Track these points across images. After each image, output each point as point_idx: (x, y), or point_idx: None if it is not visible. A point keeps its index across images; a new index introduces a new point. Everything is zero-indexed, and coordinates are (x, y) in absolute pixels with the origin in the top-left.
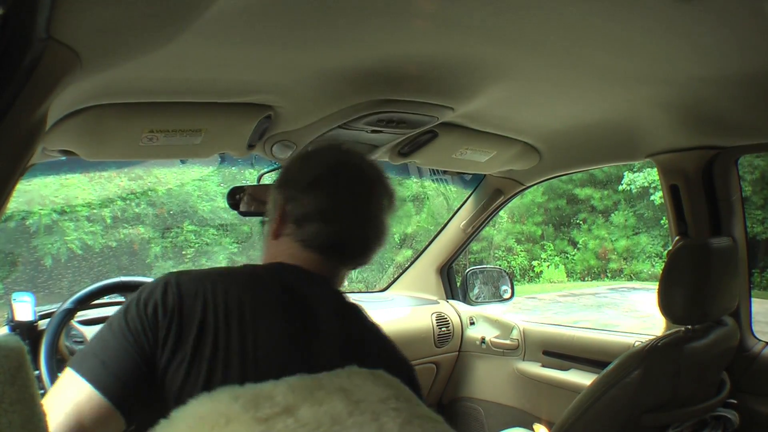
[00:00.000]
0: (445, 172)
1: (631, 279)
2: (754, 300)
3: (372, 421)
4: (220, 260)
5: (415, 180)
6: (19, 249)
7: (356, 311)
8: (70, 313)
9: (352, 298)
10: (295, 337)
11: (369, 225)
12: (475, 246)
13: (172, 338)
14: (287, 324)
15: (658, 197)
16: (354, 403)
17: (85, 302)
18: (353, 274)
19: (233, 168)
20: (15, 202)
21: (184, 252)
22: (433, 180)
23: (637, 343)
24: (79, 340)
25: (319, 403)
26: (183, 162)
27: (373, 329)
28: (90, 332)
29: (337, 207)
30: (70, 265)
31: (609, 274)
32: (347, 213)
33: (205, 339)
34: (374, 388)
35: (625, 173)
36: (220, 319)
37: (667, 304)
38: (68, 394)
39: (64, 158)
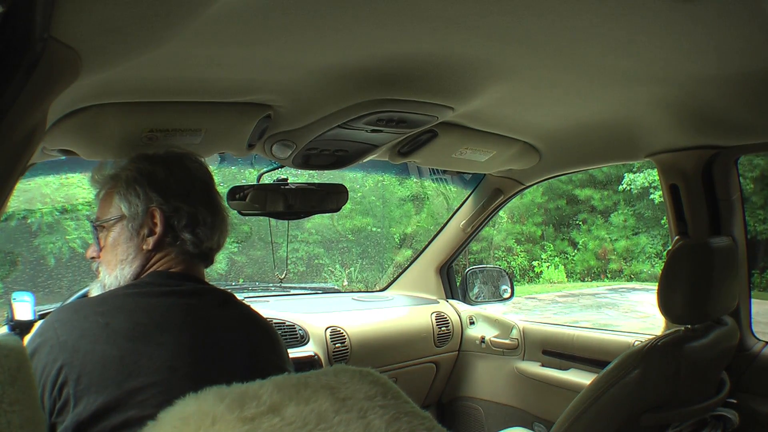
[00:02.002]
0: (445, 171)
1: (630, 279)
2: (754, 301)
3: (359, 418)
4: (219, 259)
5: (415, 180)
6: (20, 248)
7: (234, 301)
8: None
9: (352, 297)
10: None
11: (223, 229)
12: (475, 246)
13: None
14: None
15: (657, 197)
16: (340, 400)
17: None
18: (353, 274)
19: (233, 168)
20: (16, 201)
21: None
22: (433, 180)
23: (636, 343)
24: None
25: (305, 402)
26: None
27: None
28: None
29: (209, 214)
30: (70, 265)
31: (609, 275)
32: (215, 219)
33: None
34: (361, 385)
35: (625, 173)
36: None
37: (666, 304)
38: None
39: (64, 158)
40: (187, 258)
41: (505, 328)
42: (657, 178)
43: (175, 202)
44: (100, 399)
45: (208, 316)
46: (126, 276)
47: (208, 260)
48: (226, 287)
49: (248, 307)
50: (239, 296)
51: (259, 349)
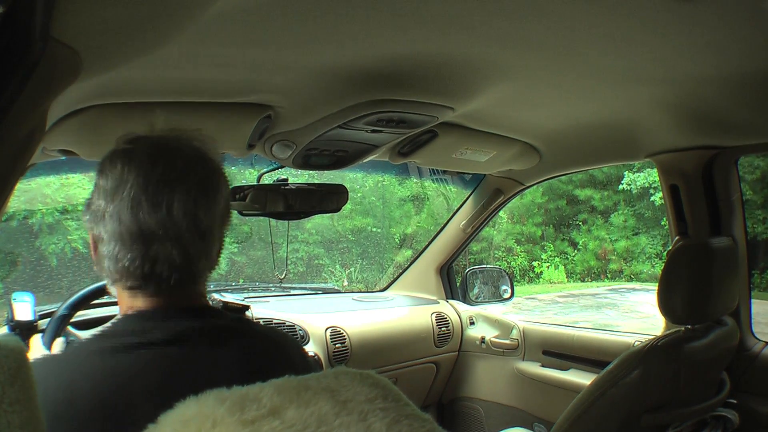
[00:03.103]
0: (445, 172)
1: (631, 279)
2: (754, 301)
3: (359, 421)
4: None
5: (415, 180)
6: (20, 248)
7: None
8: (65, 320)
9: (352, 298)
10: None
11: None
12: (475, 246)
13: None
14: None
15: (658, 198)
16: (341, 403)
17: (79, 306)
18: (353, 274)
19: (233, 168)
20: (16, 201)
21: None
22: (433, 180)
23: (636, 343)
24: None
25: (306, 405)
26: None
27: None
28: (87, 336)
29: None
30: (70, 265)
31: (609, 275)
32: None
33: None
34: (361, 387)
35: (625, 173)
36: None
37: (666, 304)
38: None
39: (64, 158)
40: (162, 292)
41: (505, 328)
42: (657, 178)
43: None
44: None
45: (197, 370)
46: None
47: (199, 281)
48: (226, 287)
49: (255, 330)
50: (239, 296)
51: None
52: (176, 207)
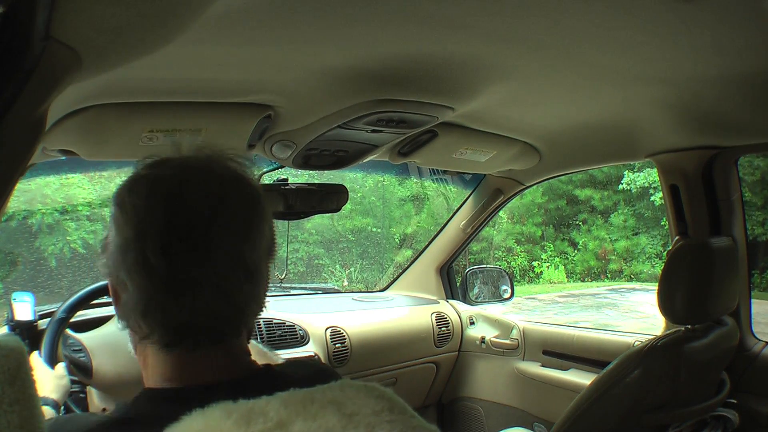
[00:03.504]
0: (445, 172)
1: (631, 280)
2: (754, 301)
3: None
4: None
5: (415, 180)
6: (20, 248)
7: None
8: (63, 323)
9: (352, 298)
10: None
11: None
12: (475, 246)
13: None
14: None
15: (657, 198)
16: (347, 416)
17: (76, 309)
18: (353, 274)
19: None
20: (16, 202)
21: None
22: (433, 180)
23: (636, 343)
24: (77, 348)
25: (313, 418)
26: None
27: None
28: (87, 339)
29: None
30: (70, 265)
31: (609, 275)
32: None
33: None
34: (367, 400)
35: (625, 173)
36: None
37: (666, 304)
38: None
39: (64, 158)
40: (202, 349)
41: (505, 328)
42: (657, 178)
43: None
44: None
45: None
46: None
47: (243, 329)
48: None
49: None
50: None
51: None
52: (215, 244)
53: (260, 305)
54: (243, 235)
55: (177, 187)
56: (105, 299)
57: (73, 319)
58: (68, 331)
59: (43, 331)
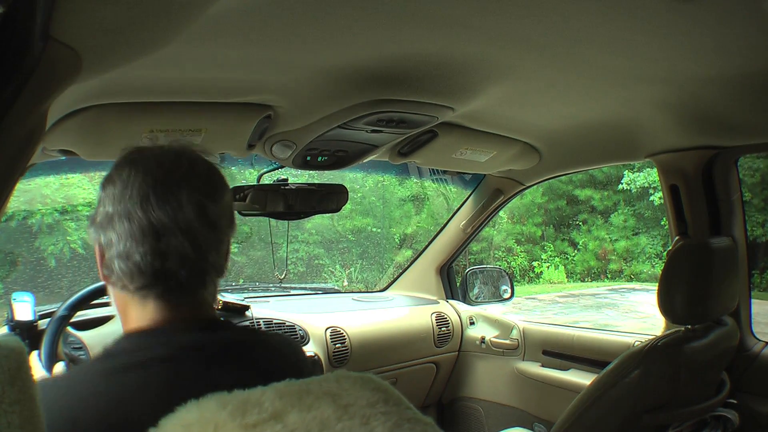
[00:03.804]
0: (445, 172)
1: (631, 280)
2: (754, 301)
3: (361, 425)
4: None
5: (415, 180)
6: (20, 249)
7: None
8: (64, 320)
9: (352, 298)
10: None
11: None
12: (475, 246)
13: None
14: None
15: (657, 198)
16: (342, 407)
17: (78, 307)
18: (353, 274)
19: (233, 168)
20: (16, 202)
21: None
22: (433, 180)
23: (636, 343)
24: (77, 346)
25: (308, 409)
26: None
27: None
28: (87, 337)
29: None
30: (70, 265)
31: (609, 275)
32: None
33: None
34: (362, 392)
35: (625, 173)
36: None
37: (666, 304)
38: None
39: (64, 158)
40: (171, 294)
41: (505, 328)
42: (657, 178)
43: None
44: None
45: (190, 389)
46: None
47: (208, 283)
48: (226, 287)
49: (262, 343)
50: (239, 297)
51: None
52: (185, 199)
53: (221, 260)
54: (206, 193)
55: (155, 159)
56: (105, 299)
57: (73, 319)
58: (69, 329)
59: (43, 331)
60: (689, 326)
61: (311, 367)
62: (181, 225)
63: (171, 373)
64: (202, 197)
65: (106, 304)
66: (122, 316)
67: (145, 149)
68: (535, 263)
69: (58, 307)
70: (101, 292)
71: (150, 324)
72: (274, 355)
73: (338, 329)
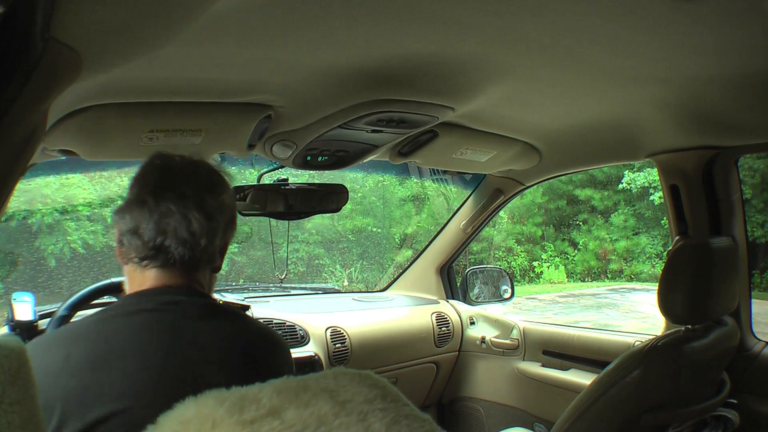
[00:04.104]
0: (445, 172)
1: (631, 280)
2: (754, 301)
3: (358, 422)
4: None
5: (415, 180)
6: (20, 248)
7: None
8: (64, 320)
9: (352, 298)
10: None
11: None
12: (475, 246)
13: None
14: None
15: (657, 197)
16: (340, 403)
17: (78, 307)
18: (354, 274)
19: (233, 168)
20: (16, 202)
21: None
22: (433, 180)
23: (636, 343)
24: None
25: (305, 405)
26: None
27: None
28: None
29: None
30: (70, 265)
31: (609, 275)
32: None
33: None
34: (360, 388)
35: (625, 173)
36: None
37: (667, 304)
38: None
39: (64, 158)
40: (167, 268)
41: (505, 328)
42: (657, 178)
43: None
44: None
45: (182, 332)
46: None
47: (200, 267)
48: (226, 287)
49: (240, 315)
50: (239, 296)
51: (252, 362)
52: (188, 191)
53: (213, 249)
54: (207, 189)
55: (166, 161)
56: (106, 299)
57: (73, 319)
58: None
59: (43, 331)
60: (689, 326)
61: (291, 364)
62: (182, 210)
63: (152, 319)
64: (202, 191)
65: (106, 304)
66: (129, 285)
67: (167, 155)
68: (535, 263)
69: (58, 307)
70: (101, 292)
71: (146, 288)
72: (256, 332)
73: (338, 329)
